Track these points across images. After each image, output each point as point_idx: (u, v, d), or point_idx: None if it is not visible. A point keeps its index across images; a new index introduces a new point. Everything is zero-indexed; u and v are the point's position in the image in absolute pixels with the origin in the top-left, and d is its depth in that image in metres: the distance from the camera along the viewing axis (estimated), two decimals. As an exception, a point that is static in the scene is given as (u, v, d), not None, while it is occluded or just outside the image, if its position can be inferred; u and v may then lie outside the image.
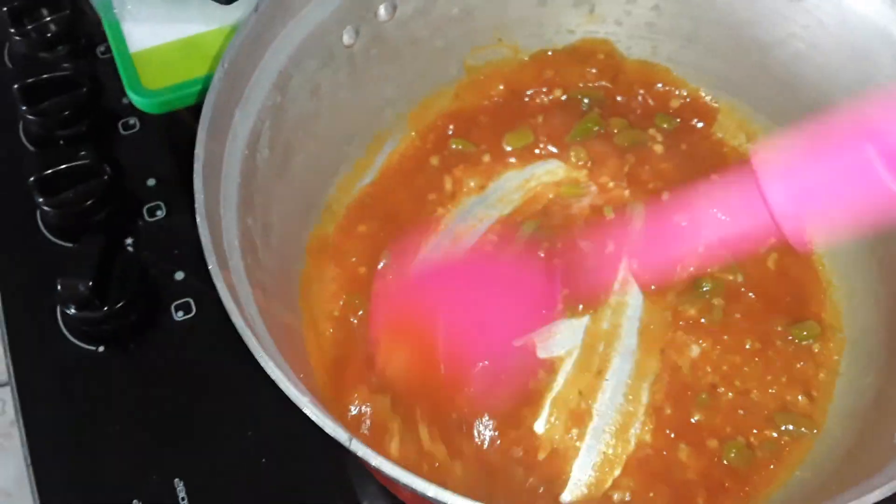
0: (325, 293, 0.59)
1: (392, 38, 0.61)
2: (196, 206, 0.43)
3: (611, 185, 0.65)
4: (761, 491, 0.54)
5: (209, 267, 0.41)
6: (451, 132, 0.66)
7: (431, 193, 0.64)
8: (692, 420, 0.56)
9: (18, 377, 0.59)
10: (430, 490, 0.34)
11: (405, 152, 0.65)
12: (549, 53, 0.68)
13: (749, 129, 0.67)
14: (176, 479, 0.55)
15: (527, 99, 0.68)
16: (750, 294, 0.60)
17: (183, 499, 0.54)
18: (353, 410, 0.54)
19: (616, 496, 0.53)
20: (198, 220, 0.43)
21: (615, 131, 0.66)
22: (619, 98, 0.69)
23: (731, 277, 0.61)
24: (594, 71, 0.68)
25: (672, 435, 0.55)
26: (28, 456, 0.56)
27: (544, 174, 0.67)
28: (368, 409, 0.53)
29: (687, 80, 0.68)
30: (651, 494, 0.53)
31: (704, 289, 0.60)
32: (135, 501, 0.54)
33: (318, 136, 0.59)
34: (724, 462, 0.54)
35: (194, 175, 0.44)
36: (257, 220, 0.51)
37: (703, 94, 0.68)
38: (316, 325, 0.57)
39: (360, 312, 0.58)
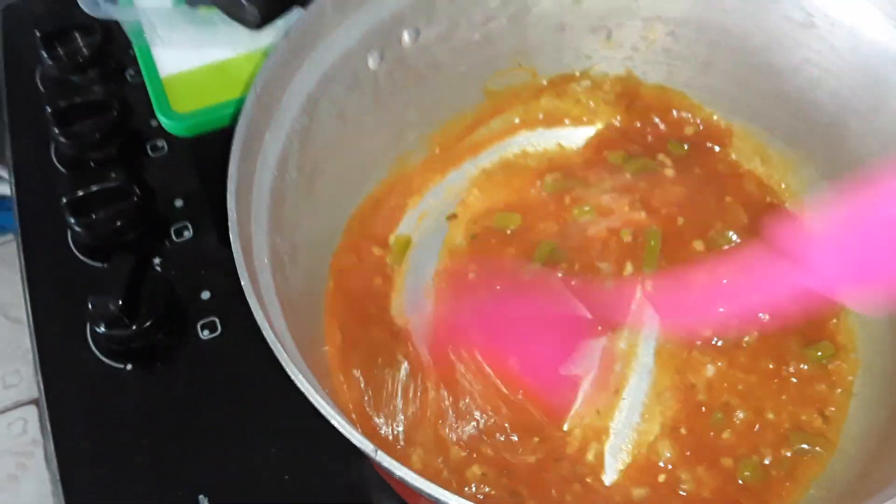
0: (347, 310, 0.60)
1: (415, 62, 0.63)
2: (230, 224, 0.45)
3: (626, 208, 0.67)
4: (775, 509, 0.55)
5: (242, 283, 0.43)
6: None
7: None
8: (707, 439, 0.56)
9: (48, 394, 0.60)
10: (453, 500, 0.35)
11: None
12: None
13: (764, 152, 0.68)
14: (201, 496, 0.56)
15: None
16: (765, 315, 0.61)
17: None
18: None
19: (633, 511, 0.54)
20: (231, 237, 0.44)
21: (620, 161, 0.68)
22: (636, 124, 0.71)
23: (746, 298, 0.62)
24: (611, 95, 0.69)
25: (687, 453, 0.56)
26: (57, 472, 0.57)
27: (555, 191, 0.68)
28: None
29: (703, 104, 0.69)
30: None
31: (720, 309, 0.61)
32: None
33: (343, 157, 0.60)
34: (739, 481, 0.55)
35: (227, 195, 0.46)
36: (285, 240, 0.53)
37: (718, 118, 0.69)
38: (338, 341, 0.58)
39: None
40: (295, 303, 0.52)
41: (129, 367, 0.61)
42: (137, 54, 0.72)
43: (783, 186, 0.67)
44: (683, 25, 0.66)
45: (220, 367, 0.61)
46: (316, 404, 0.39)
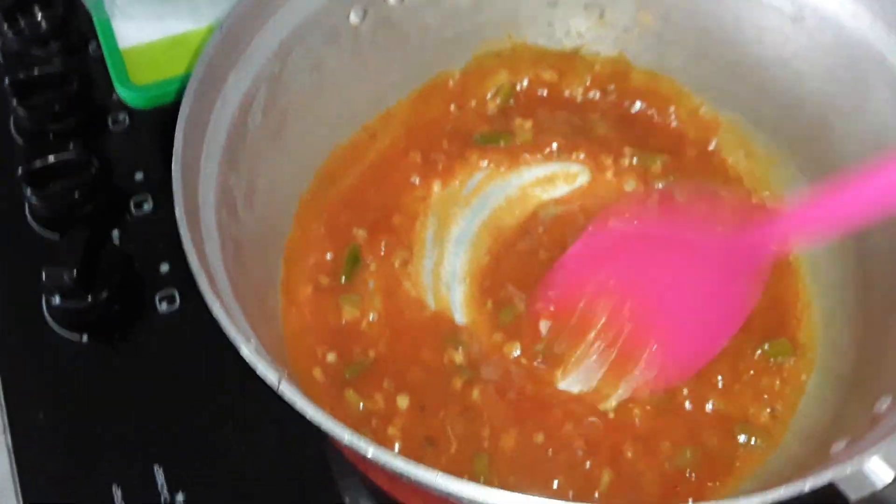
0: (308, 259, 0.60)
1: (400, 22, 0.63)
2: (174, 153, 0.45)
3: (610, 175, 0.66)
4: (708, 498, 0.54)
5: (176, 211, 0.43)
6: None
7: (419, 177, 0.65)
8: (648, 420, 0.56)
9: (3, 365, 0.61)
10: (370, 451, 0.36)
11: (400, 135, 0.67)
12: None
13: (749, 146, 0.67)
14: (156, 466, 0.56)
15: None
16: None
17: (162, 486, 0.55)
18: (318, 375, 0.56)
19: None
20: (173, 167, 0.45)
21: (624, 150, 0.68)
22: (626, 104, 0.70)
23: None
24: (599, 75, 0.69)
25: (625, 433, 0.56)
26: (10, 444, 0.57)
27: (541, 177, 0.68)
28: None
29: (691, 92, 0.68)
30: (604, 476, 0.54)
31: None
32: (114, 487, 0.55)
33: (316, 110, 0.60)
34: (676, 464, 0.54)
35: (177, 126, 0.47)
36: (241, 180, 0.53)
37: (705, 108, 0.68)
38: (295, 288, 0.59)
39: (343, 279, 0.60)
40: (246, 245, 0.52)
41: (84, 338, 0.61)
42: (97, 26, 0.72)
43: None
44: (676, 10, 0.65)
45: (179, 340, 0.62)
46: (226, 331, 0.39)
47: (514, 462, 0.54)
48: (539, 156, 0.68)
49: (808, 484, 0.40)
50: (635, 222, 0.61)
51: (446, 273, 0.62)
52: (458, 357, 0.57)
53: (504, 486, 0.50)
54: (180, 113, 0.47)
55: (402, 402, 0.54)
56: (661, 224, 0.61)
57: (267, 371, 0.38)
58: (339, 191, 0.64)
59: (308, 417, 0.38)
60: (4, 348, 0.61)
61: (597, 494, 0.53)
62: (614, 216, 0.60)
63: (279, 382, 0.38)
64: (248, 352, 0.38)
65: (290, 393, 0.38)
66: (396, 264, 0.61)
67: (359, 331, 0.58)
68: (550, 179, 0.67)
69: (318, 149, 0.62)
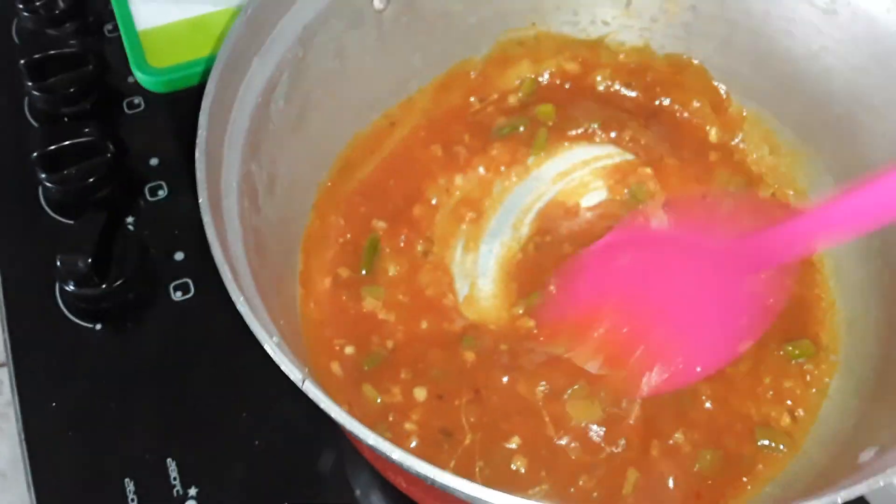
0: (328, 250, 0.60)
1: (424, 8, 0.62)
2: (198, 141, 0.44)
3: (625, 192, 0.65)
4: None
5: (199, 200, 0.42)
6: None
7: (441, 169, 0.64)
8: (669, 421, 0.55)
9: (15, 352, 0.60)
10: (372, 439, 0.35)
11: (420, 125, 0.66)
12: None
13: (774, 141, 0.66)
14: (168, 459, 0.55)
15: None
16: (749, 306, 0.60)
17: (175, 478, 0.54)
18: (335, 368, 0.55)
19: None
20: (197, 154, 0.44)
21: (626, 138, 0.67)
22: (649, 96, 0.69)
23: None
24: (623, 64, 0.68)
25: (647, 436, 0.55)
26: (22, 431, 0.56)
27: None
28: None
29: (717, 85, 0.67)
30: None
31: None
32: (126, 480, 0.54)
33: (338, 96, 0.59)
34: (695, 467, 0.54)
35: (201, 112, 0.45)
36: (263, 168, 0.52)
37: (731, 102, 0.67)
38: (314, 280, 0.58)
39: (364, 272, 0.59)
40: (265, 235, 0.52)
41: (98, 326, 0.61)
42: (115, 6, 0.71)
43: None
44: (704, 0, 0.64)
45: (192, 330, 0.61)
46: (252, 327, 0.38)
47: (535, 456, 0.53)
48: (562, 145, 0.66)
49: (840, 496, 0.39)
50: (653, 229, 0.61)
51: (468, 265, 0.61)
52: (476, 346, 0.56)
53: (525, 479, 0.51)
54: (205, 98, 0.46)
55: (420, 394, 0.53)
56: (679, 230, 0.61)
57: (292, 369, 0.37)
58: (358, 180, 0.63)
59: (333, 417, 0.37)
60: (17, 335, 0.60)
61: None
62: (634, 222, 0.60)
63: (303, 381, 0.37)
64: (272, 349, 0.38)
65: (314, 392, 0.37)
66: (417, 255, 0.60)
67: (378, 321, 0.57)
68: (570, 172, 0.66)
69: (339, 136, 0.61)
